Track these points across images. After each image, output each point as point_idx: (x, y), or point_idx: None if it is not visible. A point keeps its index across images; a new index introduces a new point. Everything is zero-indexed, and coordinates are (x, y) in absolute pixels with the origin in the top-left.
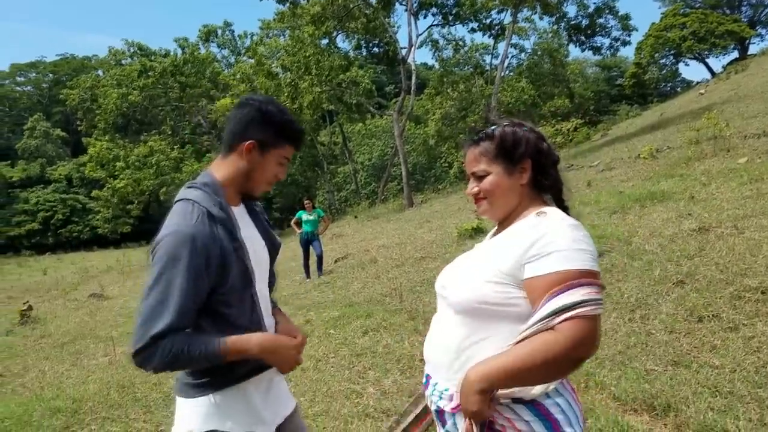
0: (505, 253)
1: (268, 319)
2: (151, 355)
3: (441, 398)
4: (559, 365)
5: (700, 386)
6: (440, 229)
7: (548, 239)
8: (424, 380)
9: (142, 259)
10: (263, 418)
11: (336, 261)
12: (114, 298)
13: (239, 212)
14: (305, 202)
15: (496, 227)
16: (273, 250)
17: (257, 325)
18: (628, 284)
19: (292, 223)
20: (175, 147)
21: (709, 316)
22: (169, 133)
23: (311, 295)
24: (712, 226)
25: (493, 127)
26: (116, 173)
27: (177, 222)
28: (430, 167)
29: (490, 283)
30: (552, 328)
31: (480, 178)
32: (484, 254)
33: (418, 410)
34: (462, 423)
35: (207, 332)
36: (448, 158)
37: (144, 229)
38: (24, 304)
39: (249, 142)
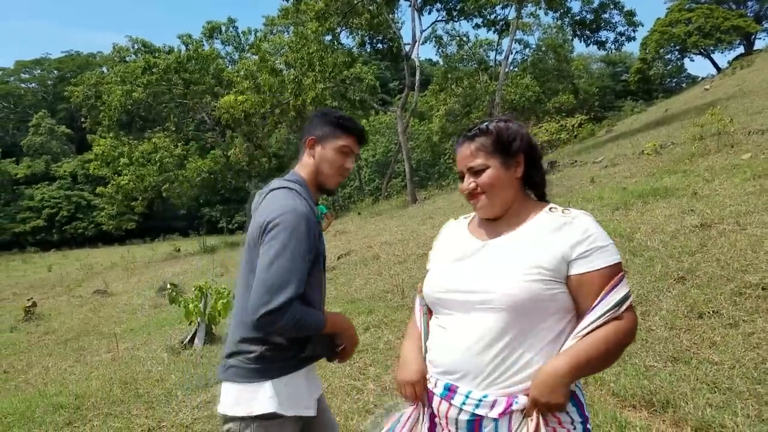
0: (542, 250)
1: None
2: (279, 318)
3: (478, 406)
4: (622, 350)
5: (699, 382)
6: (443, 226)
7: (593, 236)
8: (441, 391)
9: (146, 255)
10: (309, 402)
11: (339, 257)
12: (118, 294)
13: None
14: None
15: (462, 225)
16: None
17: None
18: (630, 280)
19: None
20: (179, 144)
21: (709, 313)
22: (173, 129)
23: None
24: (714, 223)
25: (485, 123)
26: (120, 170)
27: (291, 204)
28: (433, 164)
29: (535, 281)
30: (619, 317)
31: (477, 173)
32: (508, 252)
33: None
34: (506, 427)
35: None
36: (451, 155)
37: (148, 226)
38: (28, 300)
39: (309, 138)
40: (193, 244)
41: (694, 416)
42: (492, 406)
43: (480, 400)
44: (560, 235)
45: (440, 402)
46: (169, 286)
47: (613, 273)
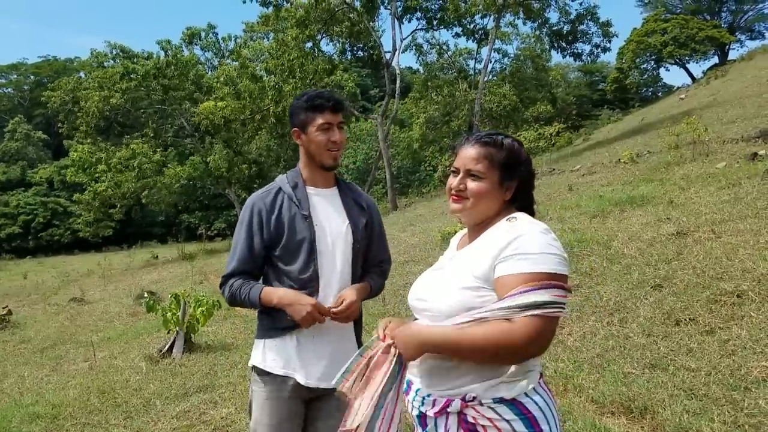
0: (479, 258)
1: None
2: (224, 290)
3: (423, 404)
4: (506, 356)
5: (676, 389)
6: (424, 233)
7: (521, 242)
8: (404, 386)
9: (123, 262)
10: (297, 368)
11: None
12: (95, 302)
13: (327, 194)
14: None
15: (460, 236)
16: (356, 230)
17: (314, 284)
18: (607, 288)
19: None
20: (158, 150)
21: (686, 320)
22: (152, 135)
23: None
24: (690, 231)
25: (500, 136)
26: (98, 176)
27: (253, 194)
28: (414, 171)
29: (468, 289)
30: (512, 319)
31: (472, 177)
32: (462, 263)
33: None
34: (443, 427)
35: (270, 281)
36: (432, 162)
37: (126, 233)
38: (3, 308)
39: (293, 130)
40: (171, 251)
41: (671, 422)
42: (432, 405)
43: (423, 398)
44: (496, 241)
45: (406, 395)
46: (146, 294)
47: (536, 280)
